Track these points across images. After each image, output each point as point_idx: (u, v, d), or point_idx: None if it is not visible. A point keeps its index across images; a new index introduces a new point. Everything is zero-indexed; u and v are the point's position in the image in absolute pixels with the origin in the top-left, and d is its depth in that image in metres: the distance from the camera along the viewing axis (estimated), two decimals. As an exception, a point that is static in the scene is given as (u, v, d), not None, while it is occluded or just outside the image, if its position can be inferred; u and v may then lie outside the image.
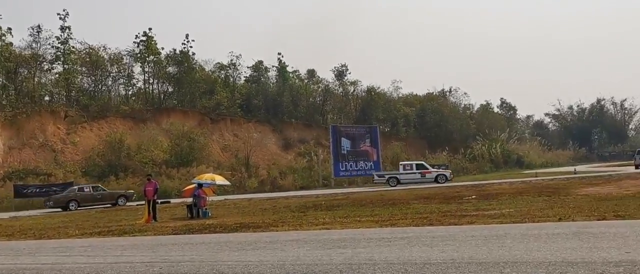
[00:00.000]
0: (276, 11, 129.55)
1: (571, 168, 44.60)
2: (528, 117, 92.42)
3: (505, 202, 16.53)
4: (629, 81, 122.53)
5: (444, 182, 33.04)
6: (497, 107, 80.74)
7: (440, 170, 36.82)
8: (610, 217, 10.54)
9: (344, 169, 40.84)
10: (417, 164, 35.77)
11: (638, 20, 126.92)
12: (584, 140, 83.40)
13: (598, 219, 10.32)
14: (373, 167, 42.14)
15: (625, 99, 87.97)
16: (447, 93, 70.12)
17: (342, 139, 41.58)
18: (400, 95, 64.13)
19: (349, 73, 59.82)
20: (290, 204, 22.23)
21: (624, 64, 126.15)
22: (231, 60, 53.93)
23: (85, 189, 30.07)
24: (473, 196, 19.90)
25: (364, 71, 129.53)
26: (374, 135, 43.63)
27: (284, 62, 57.15)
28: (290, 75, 57.98)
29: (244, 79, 56.46)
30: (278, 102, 53.54)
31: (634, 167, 39.97)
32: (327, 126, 50.17)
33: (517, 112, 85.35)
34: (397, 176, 34.73)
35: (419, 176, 34.43)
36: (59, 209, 28.25)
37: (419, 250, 7.54)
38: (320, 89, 58.65)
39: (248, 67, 56.24)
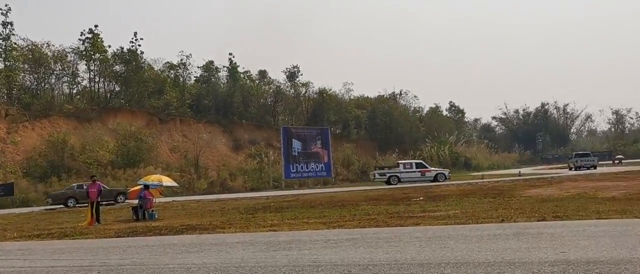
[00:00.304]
0: (228, 11, 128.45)
1: (516, 171, 45.94)
2: (476, 120, 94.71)
3: (452, 203, 16.78)
4: (571, 85, 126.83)
5: (443, 181, 33.89)
6: (446, 110, 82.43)
7: (439, 169, 37.74)
8: (550, 218, 10.84)
9: (294, 170, 40.76)
10: (416, 163, 36.47)
11: (582, 26, 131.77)
12: (529, 143, 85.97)
13: (538, 220, 10.60)
14: (324, 169, 42.26)
15: (568, 104, 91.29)
16: (398, 96, 71.05)
17: (293, 140, 41.51)
18: (352, 97, 64.62)
19: (301, 74, 59.91)
20: (240, 205, 22.02)
21: (567, 69, 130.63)
22: (181, 59, 53.13)
23: (85, 187, 29.27)
24: (421, 198, 20.14)
25: (316, 72, 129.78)
26: (325, 137, 43.73)
27: (235, 63, 56.73)
28: (242, 75, 57.53)
29: (194, 79, 55.70)
30: (229, 102, 53.04)
31: (568, 169, 41.79)
32: (278, 127, 49.98)
33: (466, 115, 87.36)
34: (398, 175, 35.25)
35: (418, 174, 35.15)
36: (61, 205, 28.29)
37: (363, 251, 7.57)
38: (271, 90, 58.43)
39: (198, 67, 55.56)
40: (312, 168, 41.61)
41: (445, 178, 34.85)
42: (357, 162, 50.87)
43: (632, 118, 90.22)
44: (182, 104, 50.62)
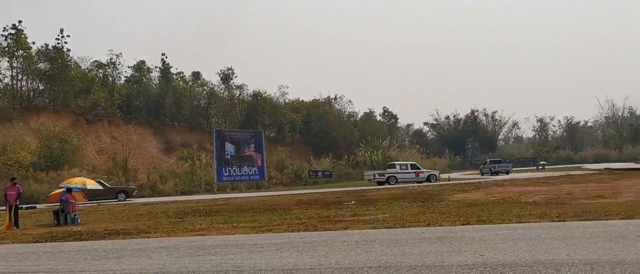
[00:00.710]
0: (162, 11, 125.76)
1: (446, 175, 47.13)
2: (408, 125, 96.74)
3: (382, 207, 16.96)
4: (497, 92, 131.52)
5: (434, 181, 35.78)
6: (380, 115, 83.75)
7: (431, 171, 40.31)
8: (474, 222, 11.13)
9: (227, 174, 40.25)
10: (411, 165, 38.65)
11: (513, 36, 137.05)
12: (459, 148, 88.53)
13: (462, 224, 10.86)
14: (257, 172, 41.94)
15: (496, 111, 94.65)
16: (333, 100, 71.58)
17: (227, 143, 40.97)
18: (287, 101, 64.57)
19: (236, 77, 59.37)
20: (169, 209, 21.50)
21: (495, 76, 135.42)
22: (111, 58, 51.50)
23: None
24: (352, 202, 20.28)
25: (251, 75, 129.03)
26: (259, 140, 43.42)
27: (168, 64, 55.56)
28: (174, 77, 56.40)
29: (125, 79, 54.13)
30: (160, 104, 51.82)
31: (480, 174, 43.71)
32: (211, 129, 49.23)
33: (399, 120, 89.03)
34: (396, 175, 36.73)
35: (413, 175, 37.09)
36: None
37: (289, 256, 7.50)
38: (205, 92, 57.55)
39: (129, 67, 54.03)
40: (246, 172, 41.21)
41: (436, 179, 37.11)
42: (291, 166, 50.82)
43: (555, 126, 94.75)
44: (111, 104, 49.03)
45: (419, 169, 38.03)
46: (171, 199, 30.53)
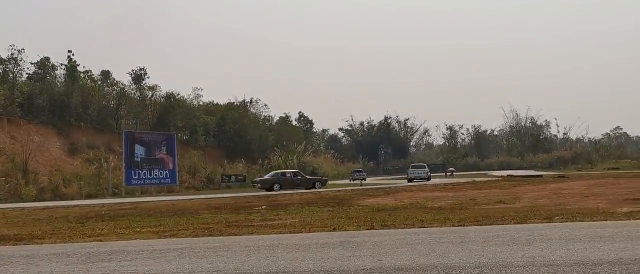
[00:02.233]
0: (70, 7, 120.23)
1: (358, 181, 47.91)
2: (324, 131, 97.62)
3: (293, 212, 16.92)
4: (411, 100, 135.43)
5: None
6: (296, 120, 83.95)
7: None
8: (378, 227, 11.30)
9: (137, 177, 38.94)
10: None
11: (427, 42, 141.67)
12: (373, 154, 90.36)
13: (367, 229, 11.00)
14: (168, 176, 40.88)
15: (409, 119, 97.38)
16: (249, 104, 70.97)
17: (137, 146, 39.65)
18: (202, 103, 63.31)
19: (148, 77, 57.44)
20: (70, 214, 20.40)
21: (409, 86, 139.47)
22: (12, 54, 48.39)
23: (288, 175, 37.48)
24: (263, 206, 20.12)
25: (165, 76, 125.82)
26: (171, 143, 42.34)
27: (76, 62, 52.93)
28: (82, 75, 53.81)
29: (27, 76, 51.06)
30: (66, 103, 49.19)
31: (407, 181, 44.93)
32: (121, 131, 47.44)
33: (314, 126, 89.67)
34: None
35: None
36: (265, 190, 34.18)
37: (187, 262, 7.28)
38: (115, 93, 55.31)
39: (32, 64, 51.01)
40: (156, 175, 40.06)
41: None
42: (204, 170, 49.87)
43: (464, 134, 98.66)
44: (11, 102, 46.07)
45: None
46: (74, 204, 29.05)
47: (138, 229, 13.04)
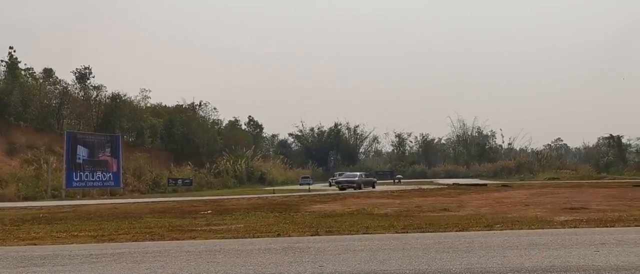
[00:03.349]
0: (13, 2, 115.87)
1: (306, 186, 47.87)
2: (273, 136, 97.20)
3: (239, 217, 16.75)
4: (360, 107, 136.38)
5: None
6: (245, 124, 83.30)
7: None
8: (323, 233, 11.28)
9: (78, 179, 37.68)
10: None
11: (377, 49, 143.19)
12: (322, 160, 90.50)
13: (312, 235, 10.97)
14: (112, 178, 39.77)
15: (358, 125, 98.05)
16: (197, 107, 69.99)
17: (79, 146, 38.38)
18: (149, 105, 62.04)
19: (93, 77, 55.88)
20: (5, 216, 19.54)
21: (359, 94, 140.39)
22: (-52, 49, 46.31)
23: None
24: (209, 211, 19.84)
25: (111, 76, 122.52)
26: (115, 144, 41.20)
27: (16, 58, 50.98)
28: (23, 72, 51.84)
29: (-37, 72, 48.87)
30: (5, 102, 47.22)
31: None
32: (62, 131, 45.90)
33: (264, 130, 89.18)
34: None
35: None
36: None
37: (123, 267, 7.06)
38: (57, 91, 53.51)
39: (-31, 60, 48.87)
40: (99, 177, 38.90)
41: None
42: (149, 172, 48.74)
43: (411, 142, 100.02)
44: (-53, 99, 44.03)
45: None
46: (10, 205, 27.90)
47: (75, 233, 12.61)
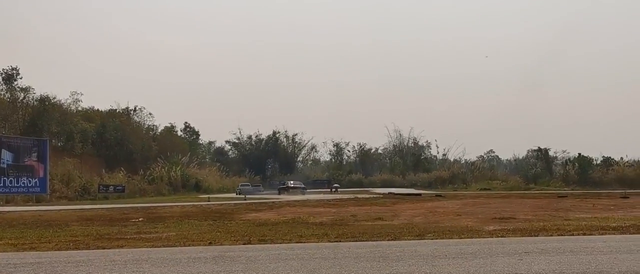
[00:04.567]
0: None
1: (242, 195, 47.41)
2: (210, 143, 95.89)
3: (171, 225, 16.39)
4: (299, 115, 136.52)
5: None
6: (181, 130, 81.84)
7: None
8: (256, 241, 11.15)
9: (2, 185, 35.90)
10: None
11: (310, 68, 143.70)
12: (260, 168, 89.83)
13: (244, 244, 10.82)
14: (38, 184, 38.12)
15: (297, 134, 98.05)
16: (132, 112, 68.20)
17: (3, 151, 36.61)
18: (80, 108, 59.89)
19: (21, 78, 53.44)
20: None
21: (297, 100, 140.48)
22: None
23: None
24: (140, 219, 19.33)
25: (41, 77, 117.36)
26: (42, 149, 39.54)
27: (-64, 56, 48.37)
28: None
29: None
30: None
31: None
32: (-15, 135, 43.66)
33: (200, 137, 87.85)
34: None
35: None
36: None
37: (41, 278, 6.72)
38: (-19, 93, 50.93)
39: None
40: (24, 183, 37.20)
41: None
42: (79, 179, 46.99)
43: (349, 151, 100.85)
44: None
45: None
46: None
47: (-8, 242, 11.96)
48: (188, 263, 7.82)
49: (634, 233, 12.29)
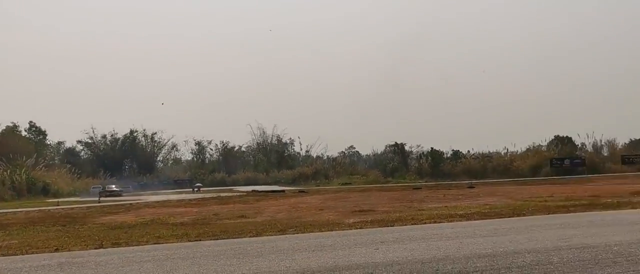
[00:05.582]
0: None
1: (96, 198, 44.78)
2: (59, 143, 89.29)
3: (14, 232, 15.07)
4: (158, 114, 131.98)
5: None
6: (26, 130, 75.53)
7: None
8: (108, 245, 10.52)
9: None
10: None
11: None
12: (116, 169, 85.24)
13: (95, 248, 10.18)
14: None
15: (156, 133, 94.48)
16: (-34, 110, 61.81)
17: None
18: None
19: None
20: None
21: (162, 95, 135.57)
22: None
23: None
24: (-24, 227, 17.46)
25: None
26: None
27: None
28: None
29: None
30: None
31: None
32: None
33: (48, 137, 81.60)
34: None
35: None
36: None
37: None
38: None
39: None
40: None
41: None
42: None
43: (212, 150, 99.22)
44: None
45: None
46: None
47: None
48: (29, 272, 7.13)
49: (477, 219, 13.28)
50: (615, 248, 7.30)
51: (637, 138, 77.22)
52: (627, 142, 75.77)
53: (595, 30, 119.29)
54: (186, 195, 45.69)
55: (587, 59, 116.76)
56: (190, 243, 10.47)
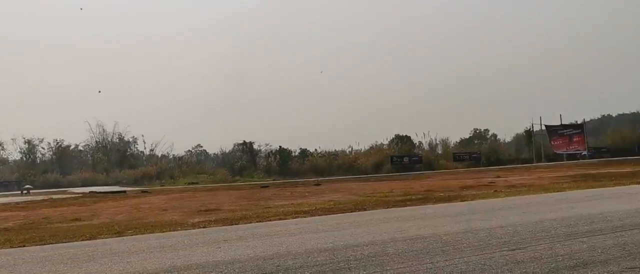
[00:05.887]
0: None
1: None
2: None
3: None
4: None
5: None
6: None
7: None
8: None
9: None
10: None
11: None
12: None
13: None
14: None
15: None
16: None
17: None
18: None
19: None
20: None
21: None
22: None
23: None
24: None
25: None
26: None
27: None
28: None
29: None
30: None
31: None
32: None
33: None
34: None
35: None
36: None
37: None
38: None
39: None
40: None
41: None
42: None
43: (44, 148, 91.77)
44: None
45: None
46: None
47: None
48: None
49: (321, 215, 13.62)
50: (445, 238, 7.81)
51: (466, 137, 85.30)
52: (458, 141, 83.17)
53: (427, 32, 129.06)
54: (13, 198, 41.79)
55: (423, 64, 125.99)
56: (13, 249, 9.51)
